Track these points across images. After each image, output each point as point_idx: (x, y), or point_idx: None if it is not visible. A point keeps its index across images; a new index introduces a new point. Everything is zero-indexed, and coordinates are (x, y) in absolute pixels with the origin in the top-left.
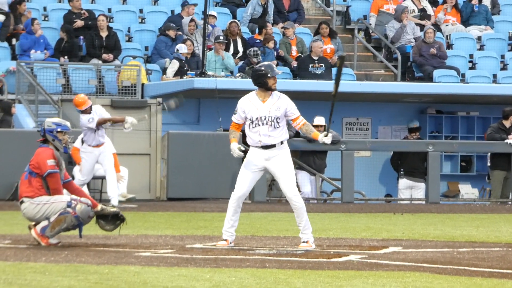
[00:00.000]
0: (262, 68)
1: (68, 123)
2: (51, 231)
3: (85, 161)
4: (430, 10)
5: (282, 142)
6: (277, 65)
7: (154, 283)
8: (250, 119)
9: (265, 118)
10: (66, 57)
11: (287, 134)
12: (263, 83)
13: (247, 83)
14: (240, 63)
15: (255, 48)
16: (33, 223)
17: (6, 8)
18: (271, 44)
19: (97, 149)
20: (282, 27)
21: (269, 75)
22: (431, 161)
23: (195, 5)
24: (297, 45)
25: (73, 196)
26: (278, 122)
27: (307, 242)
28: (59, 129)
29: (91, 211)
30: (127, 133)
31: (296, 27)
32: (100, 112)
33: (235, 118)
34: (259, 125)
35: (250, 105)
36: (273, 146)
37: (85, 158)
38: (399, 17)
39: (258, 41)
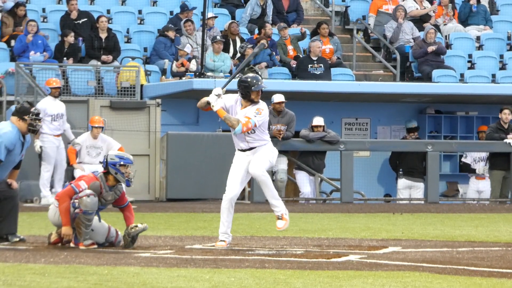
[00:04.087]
0: (248, 79)
1: (131, 157)
2: (80, 237)
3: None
4: (433, 8)
5: (264, 145)
6: (273, 65)
7: (153, 284)
8: None
9: None
10: (65, 58)
11: (267, 137)
12: (245, 94)
13: None
14: (239, 63)
15: (244, 43)
16: (55, 231)
17: None
18: None
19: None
20: (281, 28)
21: (252, 88)
22: (430, 161)
23: (194, 8)
24: (291, 43)
25: (77, 195)
26: (252, 130)
27: (281, 217)
28: (122, 163)
29: (94, 198)
30: (126, 133)
31: (295, 27)
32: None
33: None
34: None
35: (233, 106)
36: (253, 148)
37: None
38: (396, 17)
39: (256, 41)
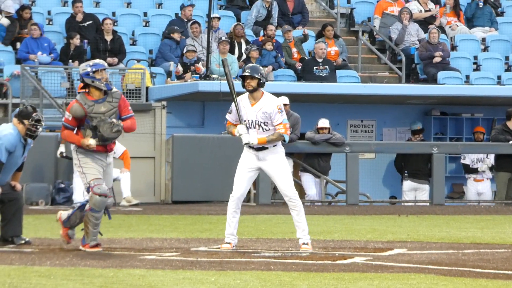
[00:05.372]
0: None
1: (103, 61)
2: (88, 237)
3: None
4: (435, 11)
5: (275, 145)
6: (279, 67)
7: (159, 286)
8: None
9: (252, 122)
10: (71, 61)
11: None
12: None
13: None
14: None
15: (249, 45)
16: (59, 215)
17: (12, 11)
18: (268, 46)
19: None
20: (285, 31)
21: (242, 73)
22: (436, 162)
23: (192, 5)
24: (295, 45)
25: (91, 188)
26: (266, 125)
27: (307, 244)
28: (94, 69)
29: (105, 199)
30: (131, 136)
31: (300, 29)
32: None
33: (229, 117)
34: (249, 127)
35: (241, 107)
36: (265, 148)
37: None
38: (401, 19)
39: (262, 43)
